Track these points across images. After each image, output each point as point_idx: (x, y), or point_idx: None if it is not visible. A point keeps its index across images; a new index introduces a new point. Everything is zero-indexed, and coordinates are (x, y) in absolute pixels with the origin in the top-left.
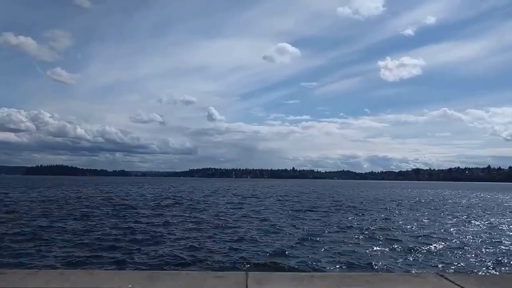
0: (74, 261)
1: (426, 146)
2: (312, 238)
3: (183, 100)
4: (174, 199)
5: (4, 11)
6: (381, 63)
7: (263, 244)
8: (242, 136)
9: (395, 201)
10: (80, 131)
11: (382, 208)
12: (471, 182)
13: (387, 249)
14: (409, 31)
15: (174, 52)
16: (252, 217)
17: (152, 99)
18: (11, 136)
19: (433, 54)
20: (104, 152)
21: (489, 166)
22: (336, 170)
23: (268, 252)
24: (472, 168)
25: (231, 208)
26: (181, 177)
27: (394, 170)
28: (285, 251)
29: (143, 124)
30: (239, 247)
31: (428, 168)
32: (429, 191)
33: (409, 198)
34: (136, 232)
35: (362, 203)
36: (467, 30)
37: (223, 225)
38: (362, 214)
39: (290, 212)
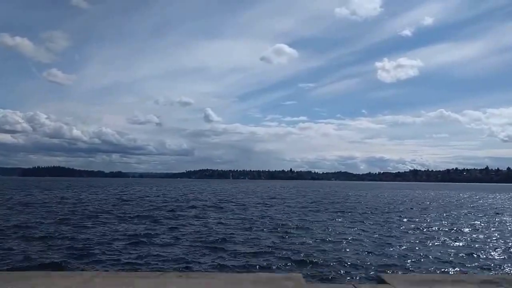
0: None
1: (423, 147)
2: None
3: (180, 101)
4: (229, 201)
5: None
6: (378, 64)
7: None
8: (239, 138)
9: (429, 202)
10: (76, 132)
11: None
12: (469, 183)
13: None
14: (407, 32)
15: (172, 53)
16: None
17: (149, 101)
18: (7, 137)
19: (430, 55)
20: (100, 153)
21: (487, 167)
22: (334, 171)
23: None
24: (470, 169)
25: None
26: (178, 178)
27: (391, 171)
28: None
29: (140, 125)
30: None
31: (425, 169)
32: (440, 192)
33: (435, 200)
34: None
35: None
36: (465, 31)
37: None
38: (420, 216)
39: (354, 218)
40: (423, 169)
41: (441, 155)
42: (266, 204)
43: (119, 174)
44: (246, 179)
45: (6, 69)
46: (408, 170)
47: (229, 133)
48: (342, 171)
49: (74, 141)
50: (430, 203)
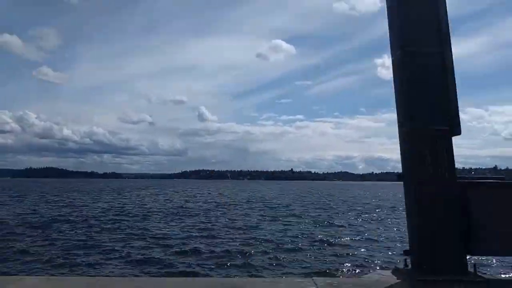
0: None
1: None
2: None
3: (173, 100)
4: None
5: None
6: (378, 60)
7: None
8: (233, 137)
9: None
10: (67, 132)
11: None
12: None
13: None
14: None
15: (164, 51)
16: None
17: (141, 99)
18: None
19: None
20: (91, 153)
21: (495, 167)
22: (333, 171)
23: None
24: (477, 168)
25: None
26: (175, 179)
27: (395, 171)
28: None
29: (132, 124)
30: None
31: None
32: None
33: None
34: None
35: None
36: (467, 26)
37: None
38: None
39: None
40: None
41: None
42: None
43: (113, 175)
44: (245, 179)
45: None
46: None
47: (223, 132)
48: (342, 170)
49: (64, 141)
50: None
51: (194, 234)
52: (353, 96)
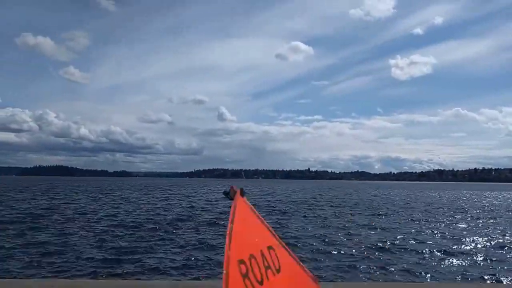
0: None
1: (440, 146)
2: None
3: (194, 99)
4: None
5: (30, 14)
6: (391, 61)
7: None
8: (251, 137)
9: None
10: (84, 131)
11: None
12: (503, 183)
13: None
14: (418, 31)
15: (186, 52)
16: None
17: (162, 99)
18: (10, 137)
19: (442, 52)
20: (104, 152)
21: None
22: (350, 171)
23: None
24: (498, 168)
25: None
26: (187, 178)
27: (413, 171)
28: None
29: (151, 124)
30: None
31: (451, 169)
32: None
33: None
34: None
35: None
36: (475, 28)
37: None
38: None
39: None
40: (441, 168)
41: (458, 154)
42: None
43: (123, 174)
44: (260, 178)
45: (24, 68)
46: (432, 170)
47: (241, 132)
48: (359, 170)
49: (80, 140)
50: None
51: None
52: (369, 97)
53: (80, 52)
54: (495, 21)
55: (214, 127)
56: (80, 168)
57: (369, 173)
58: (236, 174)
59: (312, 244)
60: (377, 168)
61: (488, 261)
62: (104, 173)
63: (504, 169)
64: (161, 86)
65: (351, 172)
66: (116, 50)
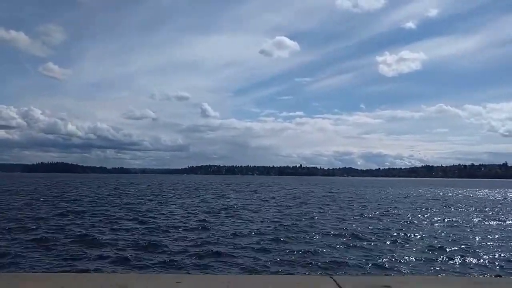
0: None
1: (421, 142)
2: None
3: (176, 96)
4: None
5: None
6: (379, 58)
7: None
8: (235, 133)
9: None
10: (71, 127)
11: None
12: (494, 180)
13: None
14: (411, 24)
15: (168, 47)
16: None
17: (145, 95)
18: (1, 133)
19: (432, 48)
20: (95, 149)
21: (506, 163)
22: (334, 167)
23: None
24: (488, 164)
25: None
26: (184, 175)
27: (401, 167)
28: None
29: (135, 120)
30: None
31: (440, 165)
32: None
33: None
34: None
35: None
36: (466, 23)
37: None
38: None
39: None
40: (421, 164)
41: (439, 150)
42: None
43: (122, 170)
44: (254, 175)
45: (0, 64)
46: (420, 166)
47: (224, 128)
48: (344, 166)
49: (68, 137)
50: None
51: None
52: (352, 93)
53: (57, 47)
54: (483, 17)
55: (198, 123)
56: (80, 165)
57: (357, 170)
58: (230, 170)
59: None
60: (360, 164)
61: None
62: (103, 170)
63: (494, 165)
64: (143, 82)
65: (339, 168)
66: (94, 45)
